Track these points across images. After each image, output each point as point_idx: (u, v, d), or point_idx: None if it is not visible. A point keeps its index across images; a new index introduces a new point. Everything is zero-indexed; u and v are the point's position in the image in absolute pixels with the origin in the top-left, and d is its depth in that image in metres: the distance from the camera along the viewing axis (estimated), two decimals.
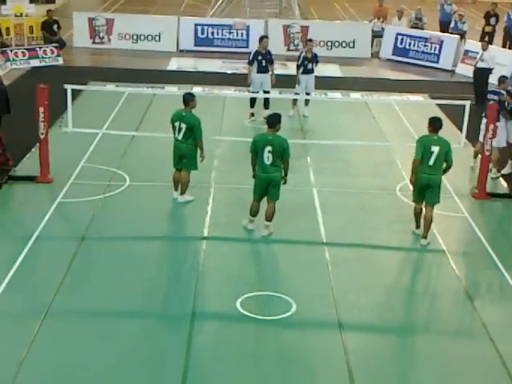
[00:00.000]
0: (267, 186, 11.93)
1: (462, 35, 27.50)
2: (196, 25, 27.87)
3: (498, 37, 28.90)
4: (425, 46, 26.83)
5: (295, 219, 12.82)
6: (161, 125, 14.88)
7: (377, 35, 28.28)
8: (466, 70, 24.42)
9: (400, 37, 27.45)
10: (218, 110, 19.01)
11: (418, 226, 12.33)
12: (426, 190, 11.90)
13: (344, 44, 27.79)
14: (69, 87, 14.81)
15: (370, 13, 31.31)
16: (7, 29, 26.09)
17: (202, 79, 22.66)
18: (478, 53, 22.11)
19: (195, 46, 27.74)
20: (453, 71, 25.85)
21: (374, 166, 15.44)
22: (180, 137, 12.93)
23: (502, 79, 15.78)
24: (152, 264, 11.24)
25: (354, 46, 27.79)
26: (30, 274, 10.71)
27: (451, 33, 27.65)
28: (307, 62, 18.70)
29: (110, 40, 27.79)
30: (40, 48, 24.38)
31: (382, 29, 28.32)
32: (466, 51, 25.53)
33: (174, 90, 19.42)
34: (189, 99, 13.00)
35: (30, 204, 13.21)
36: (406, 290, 11.04)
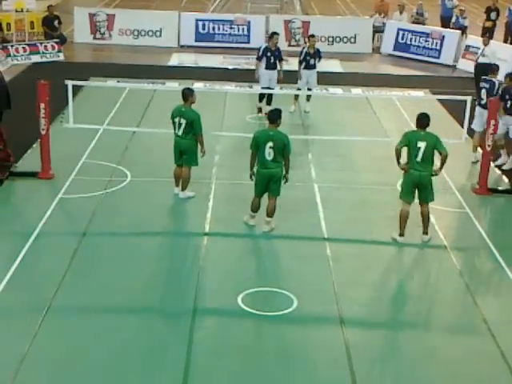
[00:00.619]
0: (268, 182, 11.92)
1: (463, 30, 27.48)
2: (197, 20, 27.86)
3: (500, 32, 28.87)
4: (426, 41, 26.80)
5: (296, 215, 12.82)
6: (162, 120, 14.88)
7: (378, 30, 28.26)
8: (467, 66, 24.43)
9: (401, 32, 27.43)
10: (219, 106, 19.01)
11: (402, 234, 11.92)
12: (418, 188, 11.71)
13: (345, 39, 27.79)
14: (70, 83, 14.81)
15: (371, 8, 31.32)
16: (8, 24, 26.09)
17: (202, 75, 22.65)
18: (479, 48, 22.09)
19: (196, 41, 27.73)
20: (454, 66, 25.84)
21: (375, 162, 15.43)
22: (180, 132, 12.93)
23: (494, 67, 15.96)
24: (153, 260, 11.24)
25: (355, 42, 27.79)
26: (31, 270, 10.71)
27: (452, 28, 27.63)
28: (309, 58, 18.70)
29: (110, 35, 27.80)
30: (41, 43, 24.43)
31: (384, 24, 28.30)
32: (468, 46, 25.52)
33: (175, 86, 19.40)
34: (188, 94, 12.98)
35: (31, 200, 13.22)
36: (407, 286, 11.06)
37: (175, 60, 25.62)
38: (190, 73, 23.06)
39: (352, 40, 27.78)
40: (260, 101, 18.54)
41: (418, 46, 26.98)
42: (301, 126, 18.06)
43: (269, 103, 18.17)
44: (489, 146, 13.95)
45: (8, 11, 26.77)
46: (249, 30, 27.65)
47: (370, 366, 8.84)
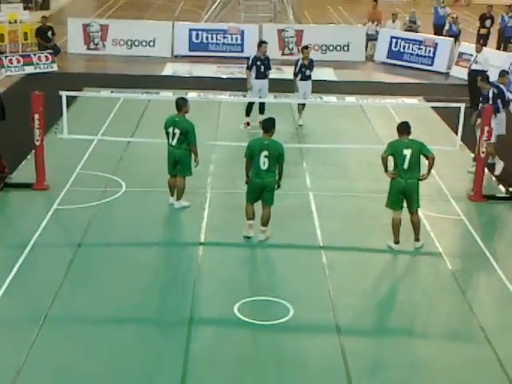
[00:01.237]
0: (261, 192, 11.92)
1: (456, 38, 27.58)
2: (190, 30, 27.89)
3: (493, 39, 29.00)
4: (419, 48, 26.87)
5: (292, 223, 12.82)
6: (156, 130, 14.83)
7: (371, 38, 28.34)
8: (460, 73, 24.47)
9: (394, 40, 27.51)
10: (213, 115, 19.02)
11: (397, 241, 11.93)
12: (405, 196, 11.69)
13: (338, 47, 27.83)
14: (64, 94, 14.80)
15: (364, 16, 31.39)
16: (1, 35, 26.11)
17: (196, 84, 22.68)
18: (472, 55, 22.15)
19: (190, 50, 27.76)
20: (447, 74, 25.90)
21: (370, 170, 15.40)
22: (174, 142, 12.93)
23: (502, 73, 15.98)
24: (149, 270, 11.23)
25: (348, 50, 27.83)
26: (27, 281, 10.69)
27: (445, 35, 27.71)
28: (305, 69, 18.63)
29: (104, 46, 27.80)
30: (34, 54, 24.41)
31: (377, 32, 28.38)
32: (461, 53, 25.59)
33: (169, 96, 19.41)
34: (182, 104, 12.99)
35: (26, 211, 13.20)
36: (403, 293, 11.06)
37: (169, 70, 25.65)
38: (183, 82, 23.09)
39: (345, 48, 27.82)
40: (247, 115, 18.37)
41: (412, 54, 27.05)
42: (295, 135, 18.07)
43: (261, 112, 18.15)
44: (483, 152, 13.98)
45: (1, 22, 26.76)
46: (242, 39, 27.70)
47: (366, 375, 8.83)
